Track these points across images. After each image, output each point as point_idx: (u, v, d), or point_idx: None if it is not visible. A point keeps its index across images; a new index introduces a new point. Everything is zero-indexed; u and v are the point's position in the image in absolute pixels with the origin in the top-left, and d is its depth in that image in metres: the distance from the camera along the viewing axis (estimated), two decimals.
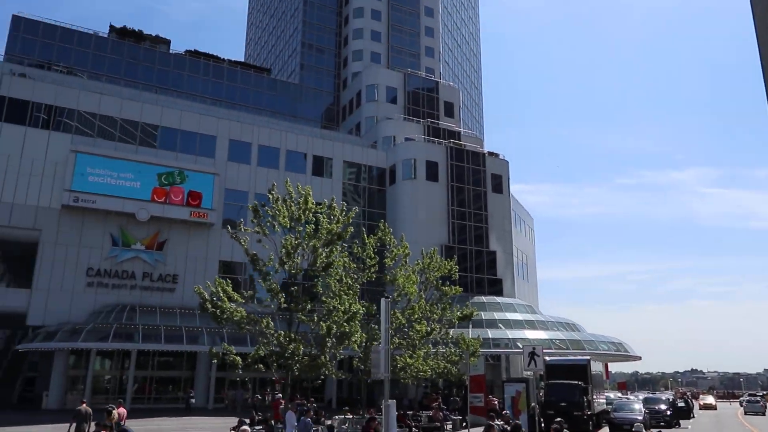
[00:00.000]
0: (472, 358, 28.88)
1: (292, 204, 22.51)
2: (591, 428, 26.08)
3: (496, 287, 51.03)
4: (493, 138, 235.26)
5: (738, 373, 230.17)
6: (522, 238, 63.77)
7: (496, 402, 28.66)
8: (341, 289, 24.05)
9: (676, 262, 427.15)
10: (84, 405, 18.80)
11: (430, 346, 31.41)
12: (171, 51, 59.30)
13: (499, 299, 48.76)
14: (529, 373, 26.95)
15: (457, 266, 32.72)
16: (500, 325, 43.61)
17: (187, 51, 60.48)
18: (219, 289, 21.70)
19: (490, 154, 55.47)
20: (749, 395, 63.14)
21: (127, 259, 41.10)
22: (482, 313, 42.88)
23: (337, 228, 23.02)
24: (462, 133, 59.47)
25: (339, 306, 22.74)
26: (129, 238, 41.34)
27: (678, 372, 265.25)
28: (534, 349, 20.32)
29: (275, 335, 22.12)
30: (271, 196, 22.70)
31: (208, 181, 44.12)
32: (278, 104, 63.75)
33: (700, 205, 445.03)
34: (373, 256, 28.00)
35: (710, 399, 62.16)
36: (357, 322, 23.61)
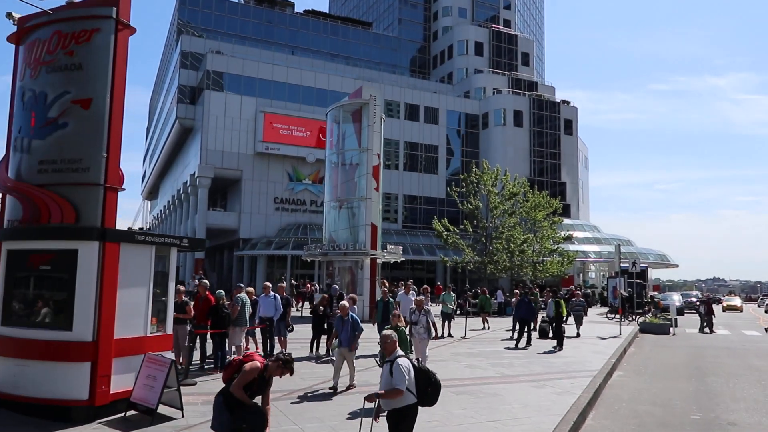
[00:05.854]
0: (569, 265, 43.43)
1: (486, 174, 36.65)
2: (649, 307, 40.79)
3: (565, 211, 64.81)
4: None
5: (760, 282, 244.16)
6: (580, 167, 76.61)
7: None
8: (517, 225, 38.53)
9: (706, 172, 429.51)
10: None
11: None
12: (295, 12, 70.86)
13: (570, 221, 62.66)
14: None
15: (558, 202, 45.81)
16: (575, 241, 57.93)
17: (305, 11, 71.91)
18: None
19: (563, 101, 67.51)
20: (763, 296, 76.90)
21: (300, 190, 55.72)
22: (561, 232, 57.05)
23: (513, 188, 37.29)
24: (539, 83, 71.17)
25: (518, 236, 37.32)
26: (300, 174, 55.73)
27: (699, 280, 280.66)
28: (635, 260, 34.50)
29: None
30: (475, 170, 36.91)
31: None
32: (379, 55, 75.56)
33: (737, 113, 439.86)
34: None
35: (736, 301, 56.73)
36: (526, 246, 38.30)
